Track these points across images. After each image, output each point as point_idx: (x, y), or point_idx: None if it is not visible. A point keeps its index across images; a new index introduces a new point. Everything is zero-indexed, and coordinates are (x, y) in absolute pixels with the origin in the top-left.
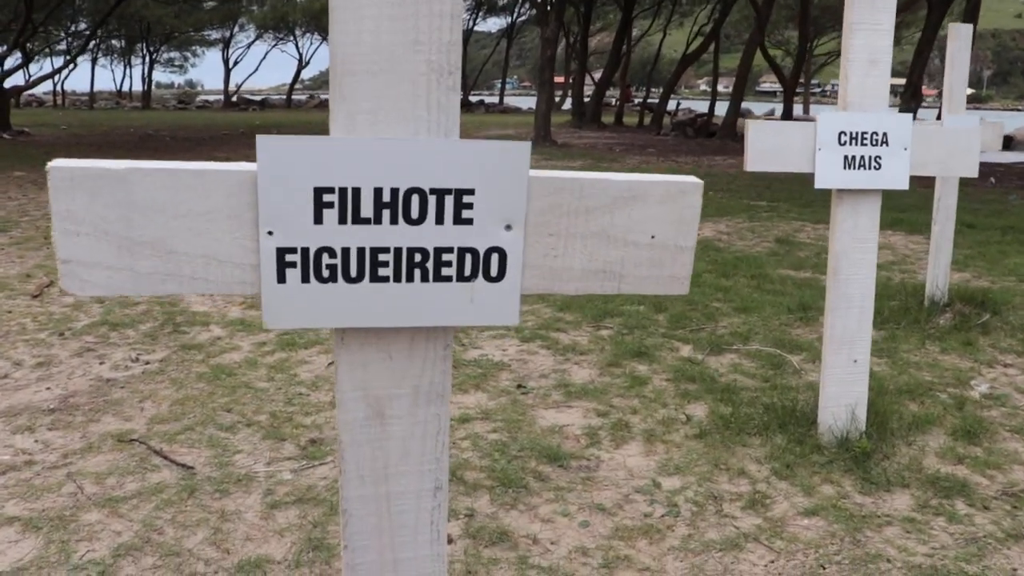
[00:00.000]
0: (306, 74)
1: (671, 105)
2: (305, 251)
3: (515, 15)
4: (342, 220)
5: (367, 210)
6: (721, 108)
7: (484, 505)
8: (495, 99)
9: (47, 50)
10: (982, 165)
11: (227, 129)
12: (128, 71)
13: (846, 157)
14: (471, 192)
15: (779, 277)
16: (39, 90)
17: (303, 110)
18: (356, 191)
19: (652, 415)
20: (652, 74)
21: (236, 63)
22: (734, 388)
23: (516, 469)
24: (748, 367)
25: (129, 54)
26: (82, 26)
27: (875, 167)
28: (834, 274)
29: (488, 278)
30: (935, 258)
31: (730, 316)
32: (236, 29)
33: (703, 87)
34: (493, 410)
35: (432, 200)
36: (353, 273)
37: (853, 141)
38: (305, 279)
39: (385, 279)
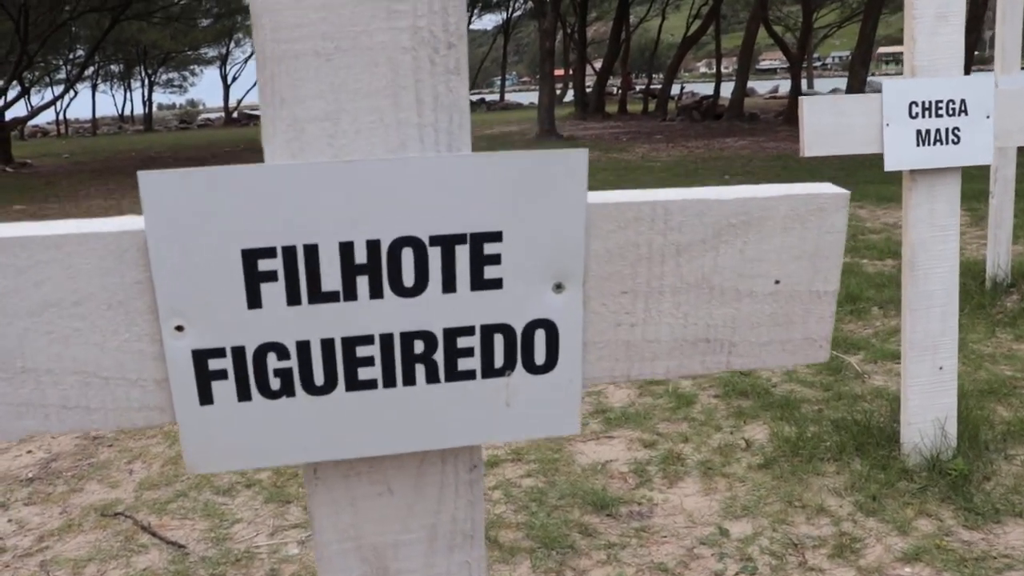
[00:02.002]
0: None
1: (675, 89)
2: (239, 353)
3: (511, 10)
4: (293, 299)
5: (332, 280)
6: (725, 89)
7: (525, 574)
8: (495, 96)
9: (47, 79)
10: None
11: (228, 146)
12: (129, 95)
13: (919, 132)
14: (497, 237)
15: None
16: (42, 120)
17: None
18: (311, 250)
19: (706, 442)
20: (652, 60)
21: (235, 79)
22: (793, 401)
23: (558, 524)
24: (803, 373)
25: (128, 78)
26: (80, 53)
27: (953, 141)
28: (910, 269)
29: (531, 368)
30: (994, 235)
31: None
32: (232, 45)
33: (703, 69)
34: (524, 448)
35: (436, 254)
36: (319, 379)
37: (926, 112)
38: (244, 395)
39: (370, 384)
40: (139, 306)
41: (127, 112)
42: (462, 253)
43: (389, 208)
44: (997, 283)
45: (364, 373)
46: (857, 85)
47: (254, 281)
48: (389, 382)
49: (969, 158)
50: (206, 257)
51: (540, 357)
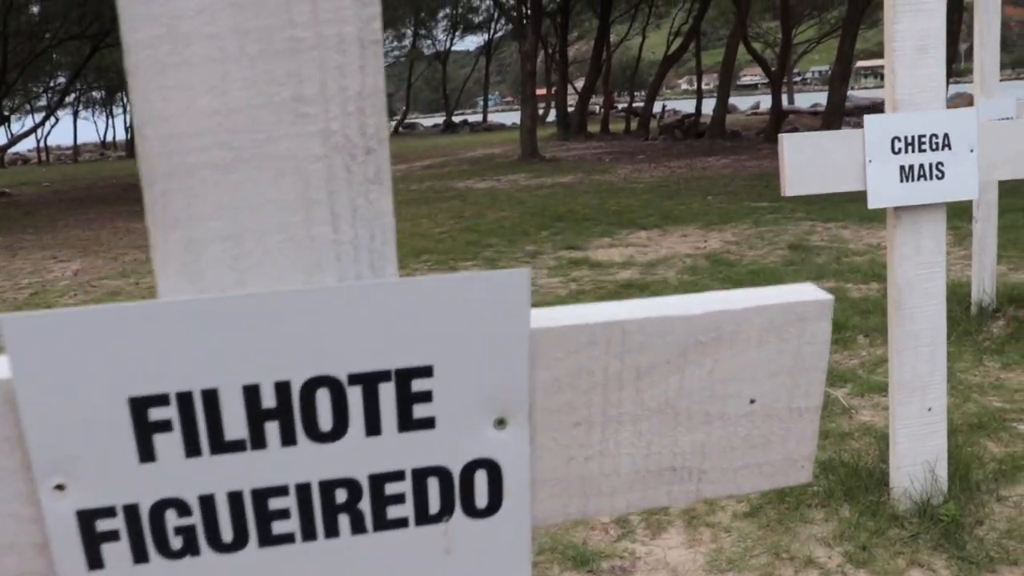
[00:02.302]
0: None
1: (657, 107)
2: (132, 511)
3: (492, 31)
4: (192, 451)
5: (236, 427)
6: (707, 106)
7: None
8: (478, 117)
9: (27, 107)
10: None
11: None
12: (111, 121)
13: (902, 167)
14: (427, 372)
15: None
16: (23, 147)
17: None
18: (211, 396)
19: None
20: (634, 78)
21: None
22: None
23: None
24: None
25: (110, 104)
26: (60, 80)
27: (937, 176)
28: (896, 308)
29: (472, 512)
30: (979, 259)
31: None
32: None
33: (684, 87)
34: None
35: (356, 394)
36: (227, 536)
37: (909, 147)
38: (140, 557)
39: (287, 539)
40: (10, 464)
41: (109, 138)
42: (387, 392)
43: (300, 345)
44: (983, 308)
45: (279, 527)
46: (837, 100)
47: (145, 432)
48: (309, 535)
49: (954, 193)
50: (87, 407)
51: (482, 500)
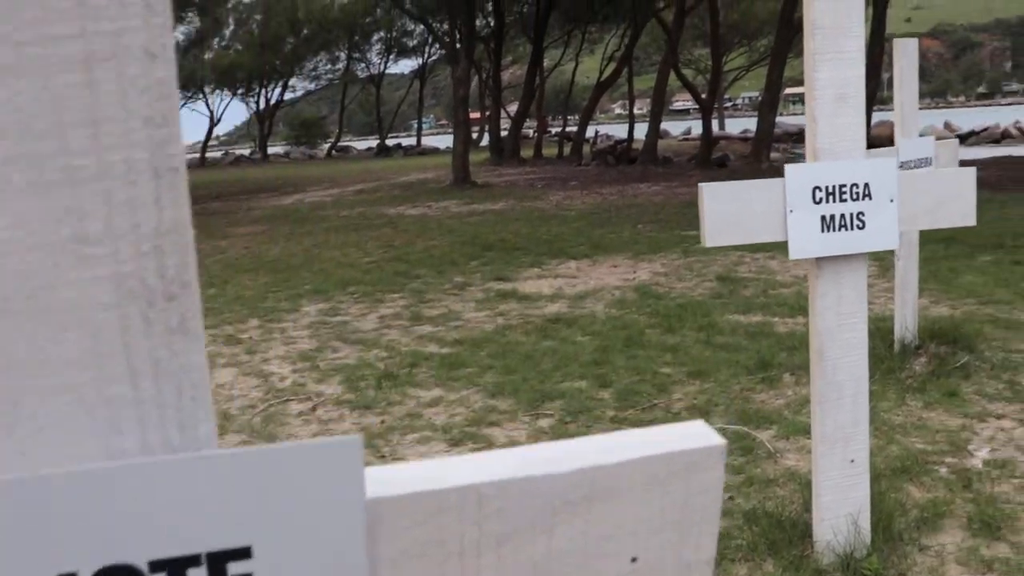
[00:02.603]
0: (220, 130)
1: (589, 132)
2: None
3: (426, 55)
4: None
5: None
6: (640, 131)
7: None
8: (413, 140)
9: None
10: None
11: None
12: None
13: (824, 217)
14: (245, 553)
15: (729, 326)
16: None
17: (218, 167)
18: None
19: None
20: (568, 102)
21: None
22: None
23: None
24: None
25: None
26: None
27: (858, 226)
28: (819, 359)
29: None
30: (901, 296)
31: (683, 384)
32: None
33: (618, 111)
34: None
35: None
36: None
37: (830, 197)
38: None
39: None
40: None
41: None
42: None
43: (92, 530)
44: (906, 345)
45: None
46: (766, 127)
47: None
48: None
49: (875, 244)
50: None
51: None
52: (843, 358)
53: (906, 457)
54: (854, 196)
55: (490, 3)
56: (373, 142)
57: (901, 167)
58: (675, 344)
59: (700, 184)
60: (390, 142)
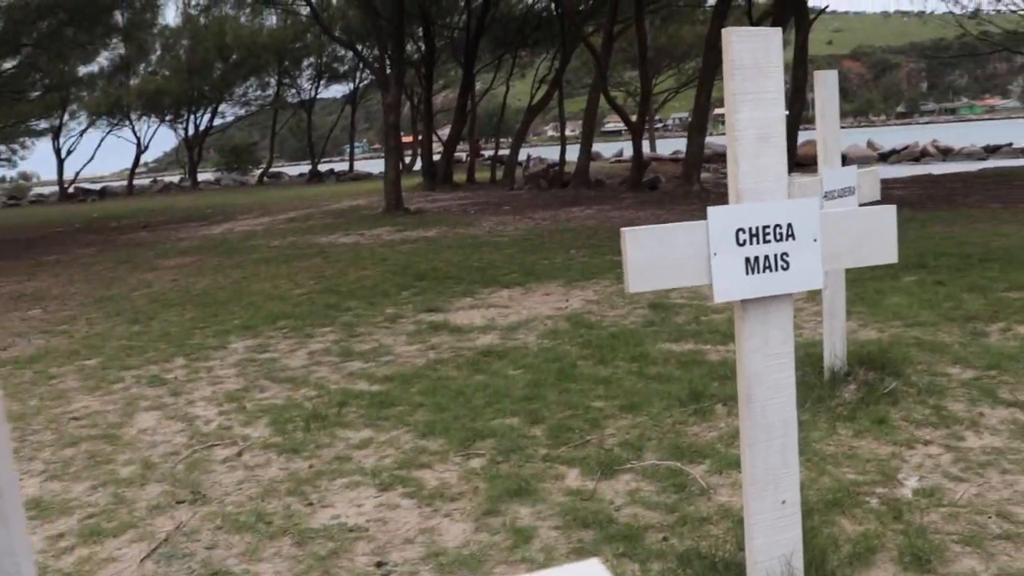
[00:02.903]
0: (148, 156)
1: (522, 156)
2: None
3: (358, 80)
4: None
5: None
6: (572, 153)
7: None
8: (346, 165)
9: None
10: None
11: (61, 225)
12: None
13: (748, 259)
14: None
15: (661, 355)
16: None
17: (146, 195)
18: None
19: None
20: (500, 126)
21: (70, 152)
22: (637, 531)
23: None
24: (647, 493)
25: None
26: None
27: (783, 267)
28: (747, 402)
29: None
30: (830, 325)
31: (616, 418)
32: (66, 117)
33: (551, 133)
34: None
35: None
36: None
37: (754, 239)
38: None
39: None
40: None
41: None
42: None
43: None
44: (835, 372)
45: None
46: (695, 149)
47: None
48: None
49: (800, 284)
50: None
51: None
52: (772, 399)
53: (838, 489)
54: (778, 237)
55: (420, 29)
56: (305, 167)
57: (825, 197)
58: (607, 376)
59: (623, 229)
60: (323, 168)
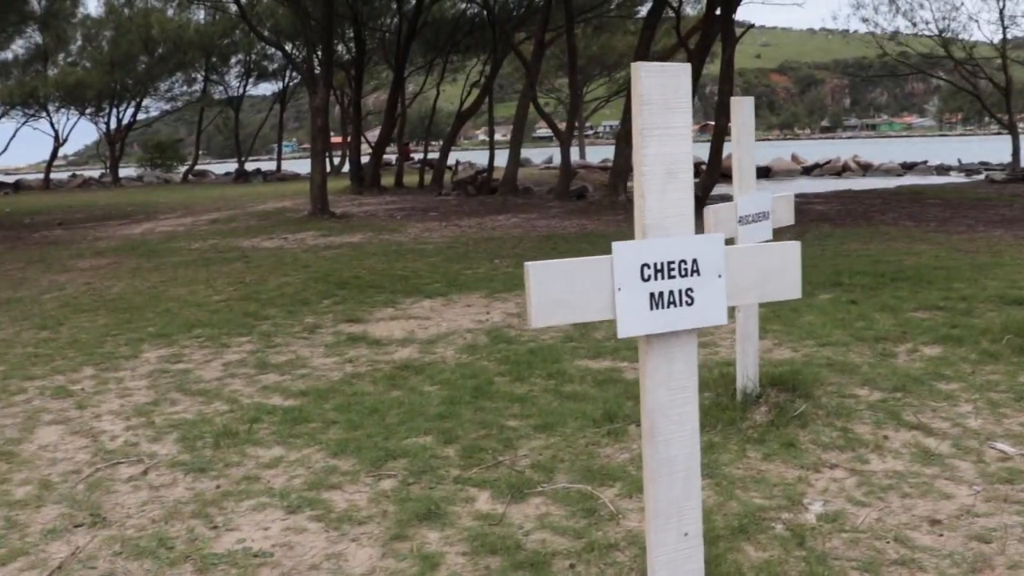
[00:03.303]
0: (68, 149)
1: (452, 160)
2: None
3: (287, 79)
4: None
5: None
6: (502, 158)
7: None
8: (274, 164)
9: None
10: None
11: None
12: None
13: (652, 295)
14: None
15: (578, 373)
16: None
17: (64, 190)
18: None
19: None
20: (430, 129)
21: None
22: (544, 557)
23: None
24: (557, 517)
25: None
26: None
27: (687, 302)
28: (650, 436)
29: None
30: (742, 346)
31: (530, 438)
32: None
33: (482, 137)
34: None
35: None
36: None
37: (659, 274)
38: None
39: None
40: None
41: None
42: None
43: None
44: (747, 395)
45: None
46: (622, 161)
47: None
48: None
49: (704, 320)
50: None
51: None
52: (675, 433)
53: (744, 514)
54: (683, 272)
55: (351, 30)
56: (232, 166)
57: (740, 222)
58: (523, 394)
59: (527, 264)
60: (250, 167)
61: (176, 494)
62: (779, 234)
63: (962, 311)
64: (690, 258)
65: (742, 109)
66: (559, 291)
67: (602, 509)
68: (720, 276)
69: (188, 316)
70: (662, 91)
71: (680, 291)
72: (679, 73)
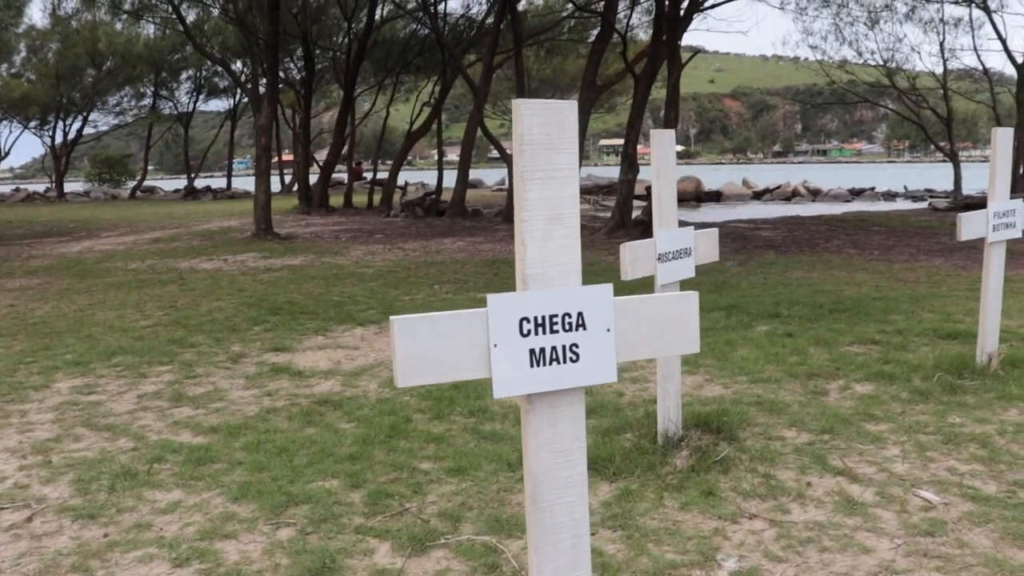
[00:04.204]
0: (11, 162)
1: (401, 181)
2: None
3: (237, 96)
4: None
5: None
6: (450, 180)
7: None
8: (225, 182)
9: None
10: (697, 228)
11: None
12: None
13: (533, 351)
14: None
15: (501, 410)
16: None
17: (6, 204)
18: None
19: None
20: (381, 149)
21: None
22: None
23: None
24: (457, 573)
25: None
26: None
27: (572, 359)
28: (534, 502)
29: None
30: (664, 389)
31: (441, 483)
32: None
33: (435, 156)
34: None
35: None
36: None
37: (540, 329)
38: None
39: None
40: None
41: None
42: None
43: None
44: (669, 437)
45: None
46: None
47: None
48: None
49: (590, 377)
50: None
51: None
52: (561, 499)
53: (654, 572)
54: (567, 327)
55: (300, 49)
56: (183, 182)
57: (659, 259)
58: (441, 433)
59: (392, 318)
60: (202, 183)
61: (59, 543)
62: (714, 264)
63: (896, 345)
64: (575, 311)
65: (662, 141)
66: (427, 347)
67: (505, 565)
68: (609, 330)
69: (111, 342)
70: (545, 130)
71: (564, 347)
72: (564, 111)
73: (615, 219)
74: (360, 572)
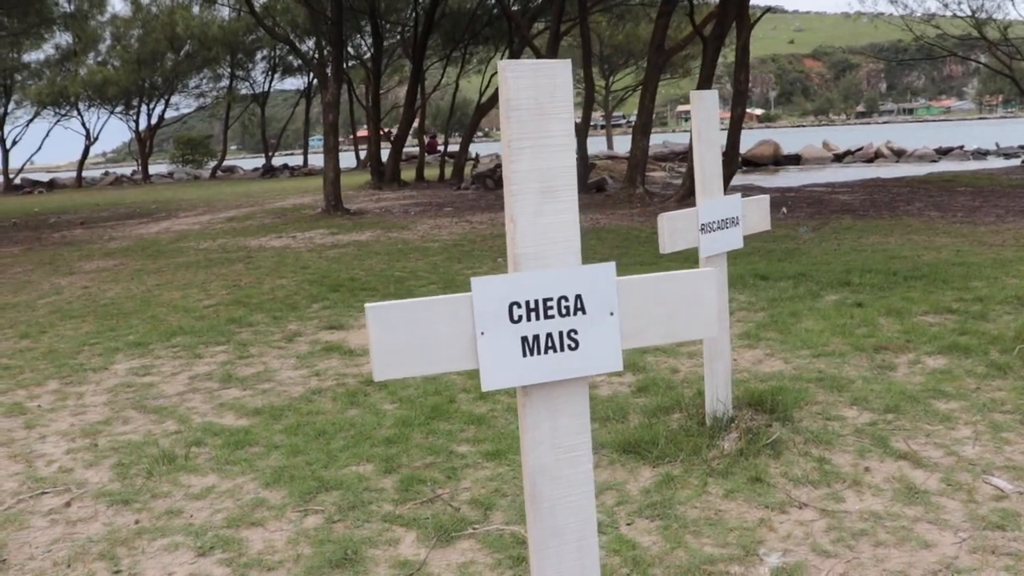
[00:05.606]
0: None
1: (472, 153)
2: None
3: (311, 75)
4: None
5: None
6: None
7: None
8: (301, 159)
9: None
10: (773, 193)
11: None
12: None
13: (525, 339)
14: None
15: None
16: None
17: (96, 188)
18: None
19: None
20: (451, 123)
21: (15, 142)
22: None
23: None
24: (481, 566)
25: None
26: None
27: (570, 346)
28: (533, 502)
29: None
30: (711, 367)
31: (477, 467)
32: (11, 106)
33: None
34: None
35: None
36: None
37: (532, 314)
38: None
39: None
40: None
41: None
42: None
43: None
44: (717, 419)
45: None
46: (639, 152)
47: None
48: None
49: (592, 367)
50: None
51: None
52: (564, 499)
53: (689, 568)
54: (563, 311)
55: (368, 25)
56: (261, 161)
57: (702, 230)
58: (483, 414)
59: (367, 305)
60: (279, 161)
61: (91, 530)
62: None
63: (975, 314)
64: (572, 293)
65: (704, 103)
66: (406, 337)
67: None
68: (612, 314)
69: (172, 322)
70: (534, 93)
71: (561, 333)
72: (555, 72)
73: (685, 186)
74: (381, 564)
